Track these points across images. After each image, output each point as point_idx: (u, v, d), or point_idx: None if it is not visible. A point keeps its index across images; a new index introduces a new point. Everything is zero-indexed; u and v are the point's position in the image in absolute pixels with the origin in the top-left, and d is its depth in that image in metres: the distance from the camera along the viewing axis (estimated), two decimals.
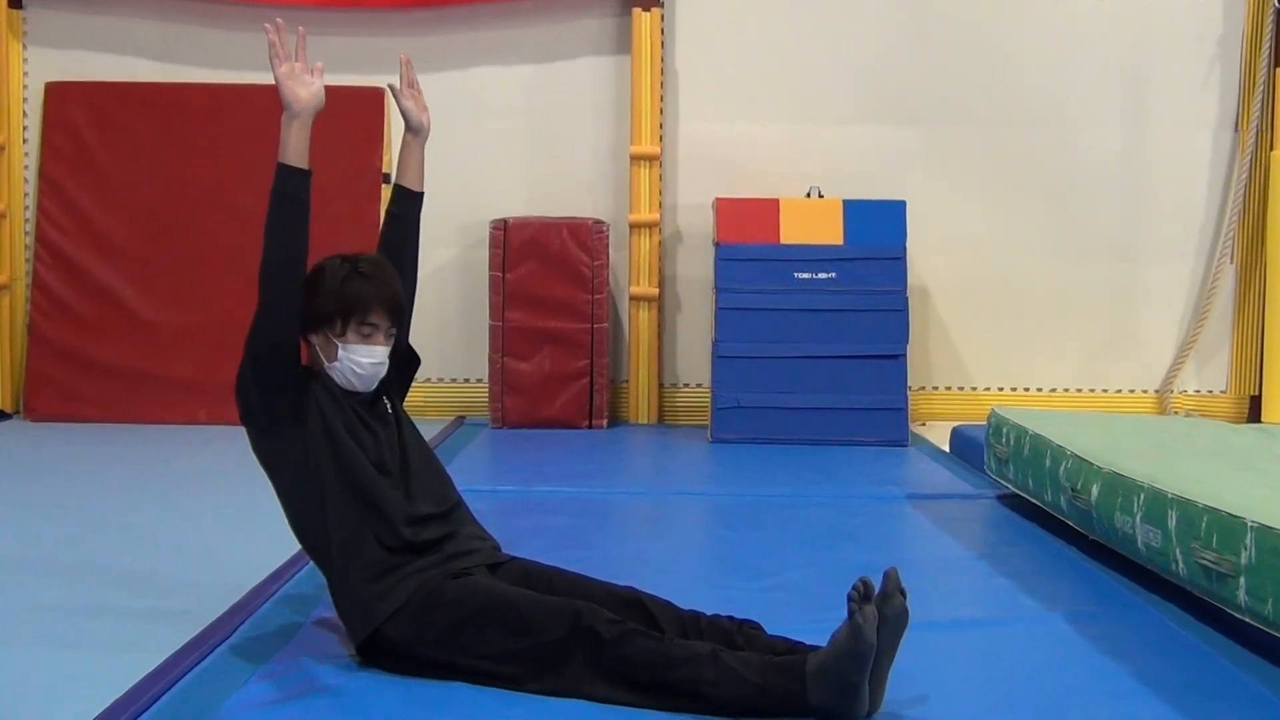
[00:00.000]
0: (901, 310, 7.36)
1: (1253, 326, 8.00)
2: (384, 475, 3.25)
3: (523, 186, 8.01)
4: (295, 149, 3.20)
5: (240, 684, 3.06)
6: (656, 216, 7.86)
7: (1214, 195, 8.03)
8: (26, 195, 7.91)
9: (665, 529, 5.20)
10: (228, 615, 3.60)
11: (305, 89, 3.23)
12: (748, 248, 7.40)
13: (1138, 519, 4.02)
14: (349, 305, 3.25)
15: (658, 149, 7.83)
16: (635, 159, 7.82)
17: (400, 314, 3.36)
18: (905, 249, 7.45)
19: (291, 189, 3.19)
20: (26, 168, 7.91)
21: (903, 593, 2.88)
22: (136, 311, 7.73)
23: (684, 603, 3.18)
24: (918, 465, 6.67)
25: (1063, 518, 4.78)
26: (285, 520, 3.35)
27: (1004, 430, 5.46)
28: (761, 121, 7.96)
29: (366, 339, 3.27)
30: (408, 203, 3.60)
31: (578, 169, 8.02)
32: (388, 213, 3.64)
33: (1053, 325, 8.06)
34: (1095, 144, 8.00)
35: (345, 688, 3.05)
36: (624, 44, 7.92)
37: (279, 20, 3.31)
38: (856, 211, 7.48)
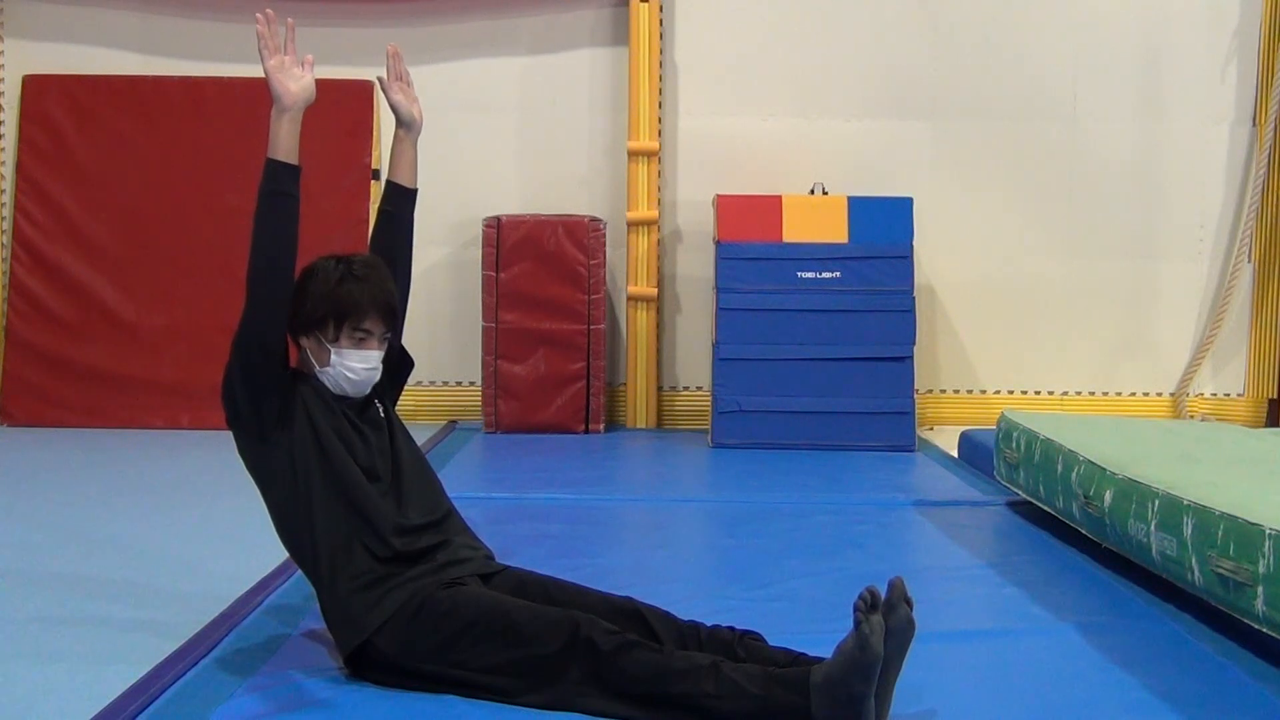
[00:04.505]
0: (908, 311, 7.28)
1: (1271, 328, 7.96)
2: (374, 482, 3.20)
3: (517, 183, 7.96)
4: (285, 144, 3.15)
5: (226, 697, 3.02)
6: (655, 214, 7.79)
7: (1231, 192, 7.97)
8: (2, 193, 7.83)
9: (664, 537, 5.16)
10: (213, 626, 3.56)
11: (295, 82, 3.19)
12: (749, 246, 7.33)
13: (1152, 526, 3.98)
14: (342, 309, 3.19)
15: (656, 144, 7.77)
16: (633, 154, 7.76)
17: (394, 317, 3.32)
18: (912, 247, 7.39)
19: (281, 185, 3.14)
20: (2, 164, 7.82)
21: (909, 602, 2.84)
22: (117, 313, 7.68)
23: (683, 613, 3.14)
24: (925, 471, 6.62)
25: (1075, 525, 4.75)
26: (272, 528, 3.29)
27: (1014, 435, 5.42)
28: (763, 116, 7.90)
29: (360, 344, 3.22)
30: (401, 200, 3.57)
31: (573, 165, 7.97)
32: (380, 210, 3.60)
33: (1064, 326, 8.02)
34: (1109, 139, 7.94)
35: (334, 701, 3.00)
36: (621, 35, 7.86)
37: (269, 11, 3.23)
38: (861, 209, 7.41)
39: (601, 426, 7.59)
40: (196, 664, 3.24)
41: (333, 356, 3.20)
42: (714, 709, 2.78)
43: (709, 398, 7.48)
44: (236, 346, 3.12)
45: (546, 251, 7.49)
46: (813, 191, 7.58)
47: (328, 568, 3.12)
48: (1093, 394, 8.03)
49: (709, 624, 3.06)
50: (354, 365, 3.21)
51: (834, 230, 7.35)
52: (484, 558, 3.29)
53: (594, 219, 7.64)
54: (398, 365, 3.47)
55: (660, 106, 7.82)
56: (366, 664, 3.08)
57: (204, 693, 3.04)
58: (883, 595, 2.79)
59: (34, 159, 7.71)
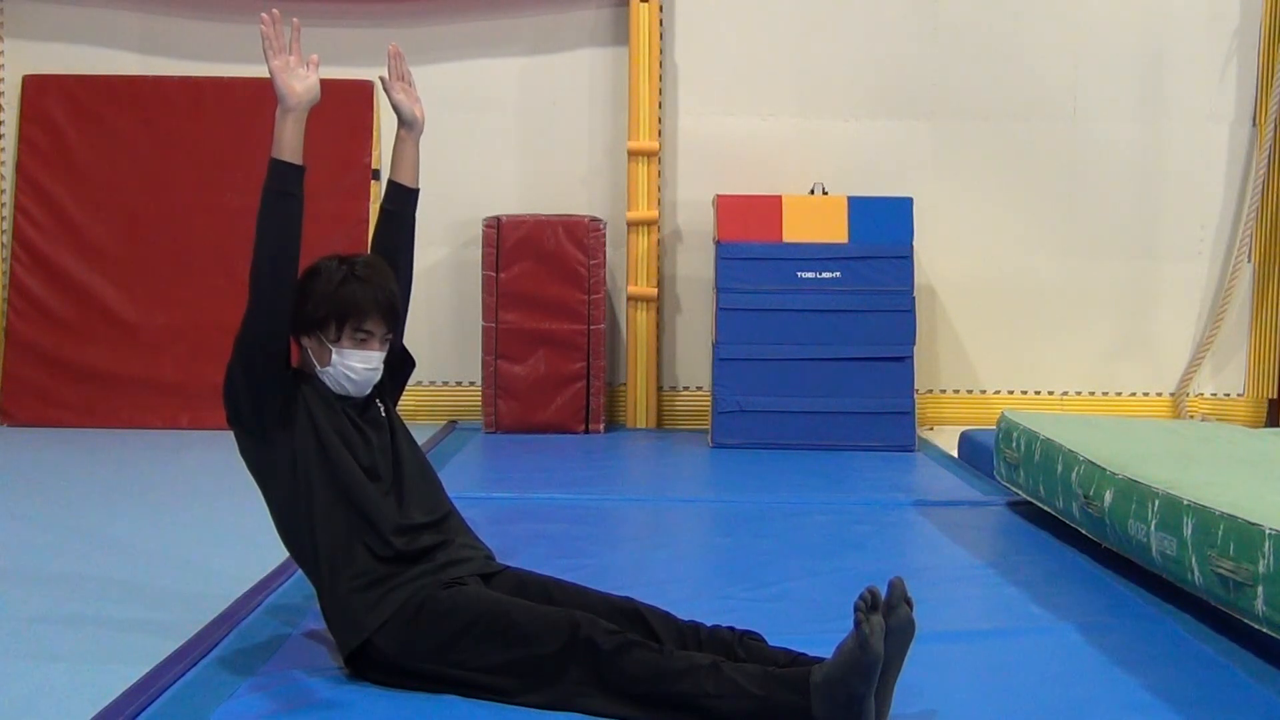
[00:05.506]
0: (908, 311, 7.27)
1: (1271, 327, 7.93)
2: (375, 481, 3.20)
3: (517, 183, 7.94)
4: (289, 144, 3.16)
5: (227, 696, 3.02)
6: (655, 214, 7.77)
7: (1231, 191, 7.94)
8: (2, 193, 7.81)
9: (664, 537, 5.15)
10: (213, 626, 3.56)
11: (300, 83, 3.20)
12: (749, 246, 7.31)
13: (1152, 526, 3.98)
14: (344, 310, 3.20)
15: (656, 144, 7.75)
16: (633, 154, 7.74)
17: (396, 318, 3.32)
18: (912, 247, 7.38)
19: (285, 185, 3.14)
20: (2, 164, 7.81)
21: (909, 603, 2.84)
22: (117, 313, 7.66)
23: (684, 613, 3.15)
24: (925, 471, 6.61)
25: (1075, 525, 4.75)
26: (273, 527, 3.31)
27: (1014, 435, 5.41)
28: (763, 115, 7.87)
29: (361, 344, 3.23)
30: (402, 200, 3.57)
31: (573, 165, 7.95)
32: (382, 210, 3.60)
33: (1064, 326, 7.99)
34: (1109, 139, 7.92)
35: (335, 700, 3.00)
36: (621, 35, 7.84)
37: (274, 11, 3.23)
38: (862, 209, 7.40)
39: (601, 426, 7.57)
40: (197, 664, 3.23)
41: (334, 356, 3.20)
42: (714, 709, 2.79)
43: (709, 398, 7.47)
44: (238, 345, 3.13)
45: (546, 251, 7.48)
46: (813, 191, 7.57)
47: (328, 567, 3.12)
48: (1093, 394, 8.00)
49: (709, 624, 3.07)
50: (355, 365, 3.21)
51: (834, 230, 7.33)
52: (484, 558, 3.30)
53: (594, 219, 7.62)
54: (399, 365, 3.48)
55: (660, 106, 7.80)
56: (367, 664, 3.08)
57: (204, 692, 3.04)
58: (883, 595, 2.78)
59: (34, 159, 7.69)
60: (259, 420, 3.16)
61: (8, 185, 7.77)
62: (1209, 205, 7.93)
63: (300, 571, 3.45)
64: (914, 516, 5.40)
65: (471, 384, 7.87)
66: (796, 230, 7.34)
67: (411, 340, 3.55)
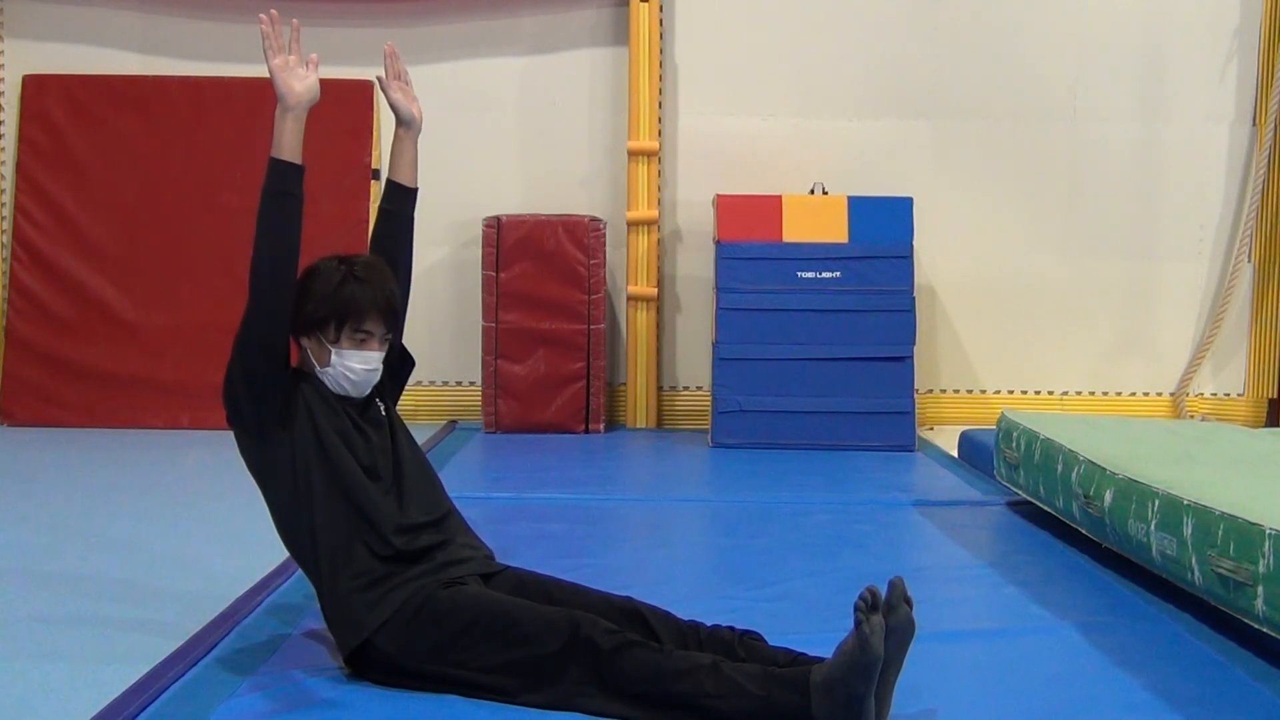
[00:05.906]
0: (908, 311, 7.26)
1: (1271, 327, 7.93)
2: (375, 480, 3.20)
3: (517, 183, 7.93)
4: (289, 144, 3.17)
5: (227, 696, 3.02)
6: (655, 214, 7.77)
7: (1231, 192, 7.94)
8: (2, 192, 7.81)
9: (664, 537, 5.15)
10: (213, 625, 3.57)
11: (300, 82, 3.20)
12: (749, 246, 7.31)
13: (1152, 526, 3.98)
14: (344, 310, 3.20)
15: (656, 144, 7.75)
16: (633, 154, 7.74)
17: (395, 318, 3.33)
18: (912, 247, 7.37)
19: (285, 185, 3.15)
20: (2, 164, 7.80)
21: (909, 602, 2.84)
22: (117, 313, 7.66)
23: (684, 613, 3.15)
24: (925, 470, 6.61)
25: (1075, 525, 4.75)
26: (272, 527, 3.31)
27: (1014, 434, 5.41)
28: (763, 115, 7.87)
29: (361, 345, 3.22)
30: (401, 199, 3.57)
31: (573, 165, 7.94)
32: (380, 209, 3.61)
33: (1064, 326, 7.99)
34: (1109, 139, 7.92)
35: (335, 700, 3.00)
36: (621, 35, 7.84)
37: (273, 11, 3.24)
38: (862, 208, 7.39)
39: (601, 426, 7.57)
40: (197, 663, 3.23)
41: (333, 357, 3.21)
42: (714, 708, 2.79)
43: (709, 398, 7.46)
44: (238, 345, 3.13)
45: (546, 251, 7.48)
46: (813, 191, 7.57)
47: (328, 567, 3.12)
48: (1093, 394, 8.00)
49: (709, 624, 3.07)
50: (354, 366, 3.21)
51: (834, 230, 7.33)
52: (484, 557, 3.30)
53: (594, 219, 7.62)
54: (399, 365, 3.48)
55: (660, 106, 7.80)
56: (367, 664, 3.08)
57: (204, 692, 3.04)
58: (883, 595, 2.78)
59: (34, 159, 7.69)
60: (259, 420, 3.15)
61: (8, 185, 7.76)
62: (1209, 205, 7.93)
63: (300, 571, 3.45)
64: (914, 516, 5.39)
65: (471, 384, 7.87)
66: (796, 230, 7.34)
67: (411, 340, 3.54)
